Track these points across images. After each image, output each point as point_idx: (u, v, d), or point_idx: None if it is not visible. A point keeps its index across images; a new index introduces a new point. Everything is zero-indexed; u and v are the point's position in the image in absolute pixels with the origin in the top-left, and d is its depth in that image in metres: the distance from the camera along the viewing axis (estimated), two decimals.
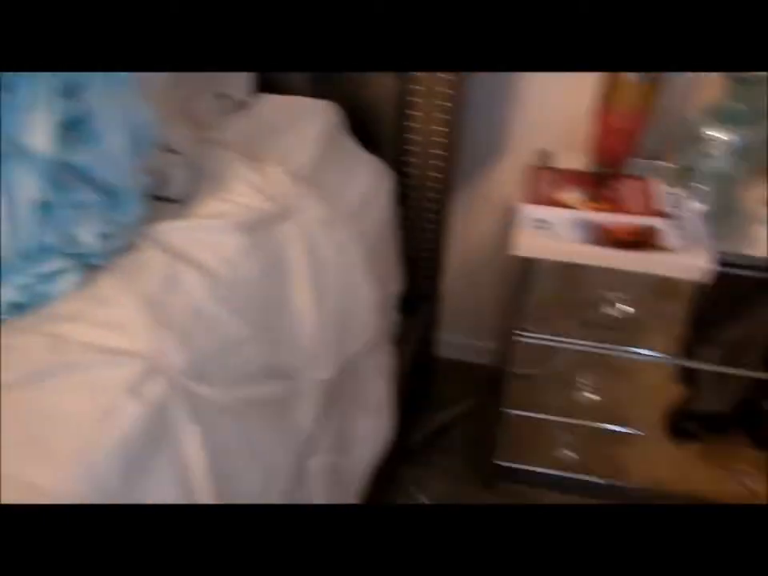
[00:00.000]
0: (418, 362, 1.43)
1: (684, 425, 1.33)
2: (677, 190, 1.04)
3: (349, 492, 0.83)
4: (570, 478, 1.34)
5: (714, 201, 1.03)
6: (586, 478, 1.33)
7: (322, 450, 0.74)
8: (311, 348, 0.76)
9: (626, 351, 1.13)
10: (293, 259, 0.77)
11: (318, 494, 0.72)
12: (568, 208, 0.97)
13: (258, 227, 0.75)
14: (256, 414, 0.67)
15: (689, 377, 1.34)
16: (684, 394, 1.33)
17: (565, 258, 0.93)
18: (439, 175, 1.13)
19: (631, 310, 1.02)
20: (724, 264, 0.92)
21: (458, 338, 1.62)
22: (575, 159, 1.12)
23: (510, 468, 1.34)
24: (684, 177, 1.06)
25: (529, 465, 1.35)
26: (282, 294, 0.75)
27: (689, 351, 1.20)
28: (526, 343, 1.12)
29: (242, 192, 0.78)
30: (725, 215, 1.04)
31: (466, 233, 1.44)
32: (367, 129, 1.07)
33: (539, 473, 1.35)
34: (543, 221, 0.95)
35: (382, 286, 1.05)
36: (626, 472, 1.34)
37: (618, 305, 1.02)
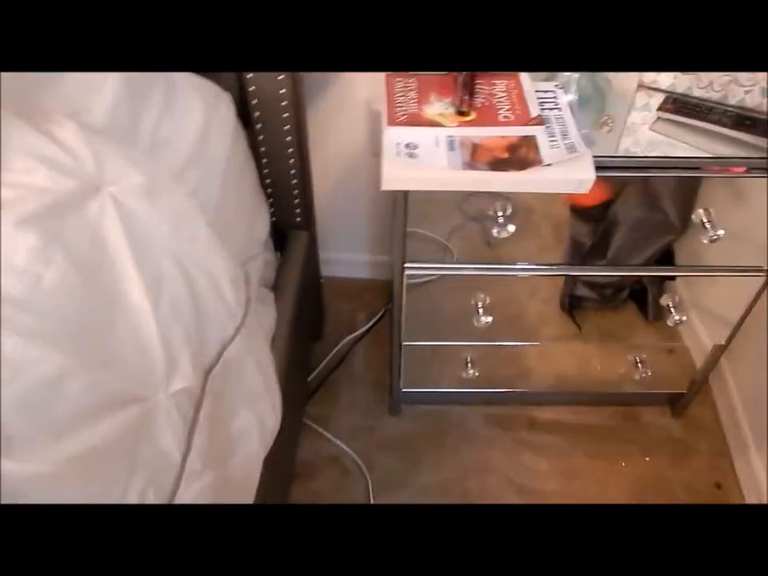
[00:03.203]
0: (305, 294, 1.32)
1: (577, 298, 1.32)
2: (547, 84, 0.95)
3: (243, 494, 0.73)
4: (474, 392, 1.32)
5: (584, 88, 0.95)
6: (490, 390, 1.32)
7: (194, 476, 0.62)
8: (157, 355, 0.61)
9: (514, 269, 1.07)
10: (112, 249, 0.60)
11: None
12: (434, 126, 0.85)
13: (55, 216, 0.56)
14: (96, 464, 0.54)
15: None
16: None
17: (438, 187, 0.82)
18: (288, 83, 0.95)
19: (512, 227, 0.94)
20: (600, 168, 0.84)
21: (340, 256, 1.52)
22: None
23: (413, 392, 1.31)
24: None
25: (432, 387, 1.32)
26: (104, 297, 0.59)
27: (575, 254, 1.17)
28: (415, 275, 1.04)
29: (25, 168, 0.58)
30: (597, 105, 0.96)
31: (328, 142, 1.30)
32: None
33: (443, 392, 1.33)
34: (409, 145, 0.82)
35: (241, 246, 0.90)
36: (528, 377, 1.34)
37: (503, 222, 0.94)
